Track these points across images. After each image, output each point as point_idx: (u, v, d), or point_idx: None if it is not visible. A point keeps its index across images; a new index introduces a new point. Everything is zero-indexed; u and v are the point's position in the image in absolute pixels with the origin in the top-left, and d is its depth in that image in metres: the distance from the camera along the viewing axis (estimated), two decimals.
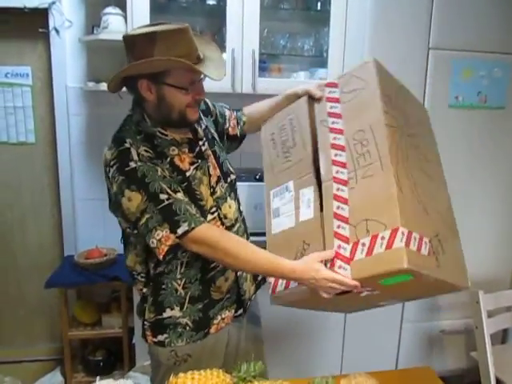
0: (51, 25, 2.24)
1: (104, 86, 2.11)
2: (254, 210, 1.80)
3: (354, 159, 1.11)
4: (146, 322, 1.32)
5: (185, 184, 1.21)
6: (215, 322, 1.31)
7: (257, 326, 1.52)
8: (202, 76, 1.20)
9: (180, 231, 1.13)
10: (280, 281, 1.20)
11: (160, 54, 1.10)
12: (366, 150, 1.09)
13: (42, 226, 2.55)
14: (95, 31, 2.17)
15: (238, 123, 1.50)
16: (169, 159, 1.21)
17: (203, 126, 1.35)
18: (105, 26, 2.06)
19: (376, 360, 1.81)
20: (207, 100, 1.44)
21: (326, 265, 1.09)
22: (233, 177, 1.39)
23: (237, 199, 1.41)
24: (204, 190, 1.25)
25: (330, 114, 1.22)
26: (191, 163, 1.25)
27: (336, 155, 1.16)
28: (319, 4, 2.27)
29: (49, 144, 2.46)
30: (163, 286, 1.27)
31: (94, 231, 2.41)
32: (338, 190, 1.11)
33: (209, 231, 1.16)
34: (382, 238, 1.00)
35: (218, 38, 2.14)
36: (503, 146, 2.14)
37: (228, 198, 1.34)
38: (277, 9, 2.26)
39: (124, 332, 2.29)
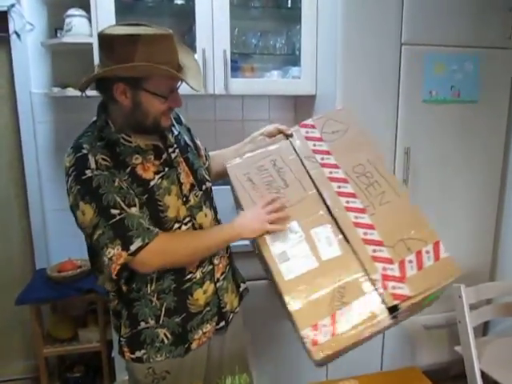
0: (11, 28, 2.14)
1: (70, 92, 2.04)
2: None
3: (362, 189, 1.21)
4: (122, 339, 1.26)
5: (146, 196, 1.16)
6: (196, 336, 1.26)
7: (241, 337, 1.46)
8: (179, 84, 1.17)
9: (133, 247, 1.09)
10: (322, 328, 1.05)
11: (142, 58, 1.05)
12: (375, 181, 1.22)
13: (11, 240, 2.44)
14: (58, 34, 2.08)
15: (206, 157, 1.45)
16: (129, 169, 1.15)
17: (175, 133, 1.30)
18: (68, 29, 1.98)
19: (361, 361, 1.78)
20: (179, 113, 1.40)
21: (375, 289, 1.09)
22: (208, 184, 1.34)
23: (213, 208, 1.35)
24: (171, 201, 1.19)
25: (316, 151, 1.30)
26: (156, 172, 1.19)
27: (340, 187, 1.23)
28: (290, 1, 2.25)
29: (14, 154, 2.35)
30: (136, 298, 1.22)
31: (67, 242, 2.28)
32: (356, 218, 1.17)
33: (161, 241, 1.14)
34: (427, 252, 1.11)
35: (188, 38, 2.09)
36: (478, 140, 2.15)
37: (203, 207, 1.28)
38: (247, 7, 2.23)
39: (102, 346, 2.21)
